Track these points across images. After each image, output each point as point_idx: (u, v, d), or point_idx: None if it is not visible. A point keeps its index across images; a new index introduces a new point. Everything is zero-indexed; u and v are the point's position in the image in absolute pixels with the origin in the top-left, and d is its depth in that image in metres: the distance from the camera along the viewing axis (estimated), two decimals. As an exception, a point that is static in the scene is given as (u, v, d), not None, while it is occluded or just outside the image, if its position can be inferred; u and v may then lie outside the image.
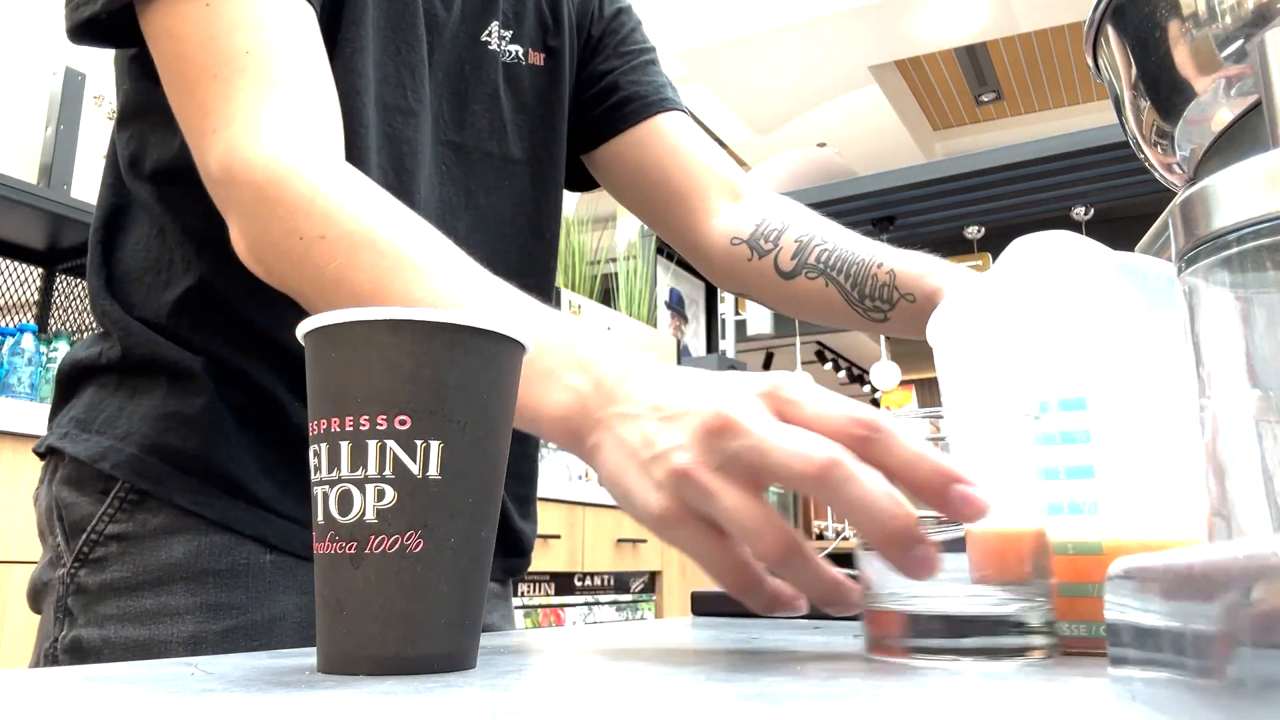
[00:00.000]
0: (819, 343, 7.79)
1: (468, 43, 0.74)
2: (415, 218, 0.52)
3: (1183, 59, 0.39)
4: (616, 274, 4.10)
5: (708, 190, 0.82)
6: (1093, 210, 4.03)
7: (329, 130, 0.56)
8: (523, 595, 2.52)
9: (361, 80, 0.65)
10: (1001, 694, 0.31)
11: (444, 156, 0.72)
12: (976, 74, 5.67)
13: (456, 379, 0.36)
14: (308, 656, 0.42)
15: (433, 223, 0.57)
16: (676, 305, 4.87)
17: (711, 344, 5.11)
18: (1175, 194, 0.38)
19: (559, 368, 0.46)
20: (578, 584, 2.76)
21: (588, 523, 2.77)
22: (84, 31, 0.60)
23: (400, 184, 0.67)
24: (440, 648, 0.36)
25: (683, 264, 4.95)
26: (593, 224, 4.18)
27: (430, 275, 0.48)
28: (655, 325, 4.38)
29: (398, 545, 0.35)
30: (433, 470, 0.35)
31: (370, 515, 0.35)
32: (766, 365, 7.62)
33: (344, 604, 0.35)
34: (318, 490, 0.36)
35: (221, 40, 0.55)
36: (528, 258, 0.78)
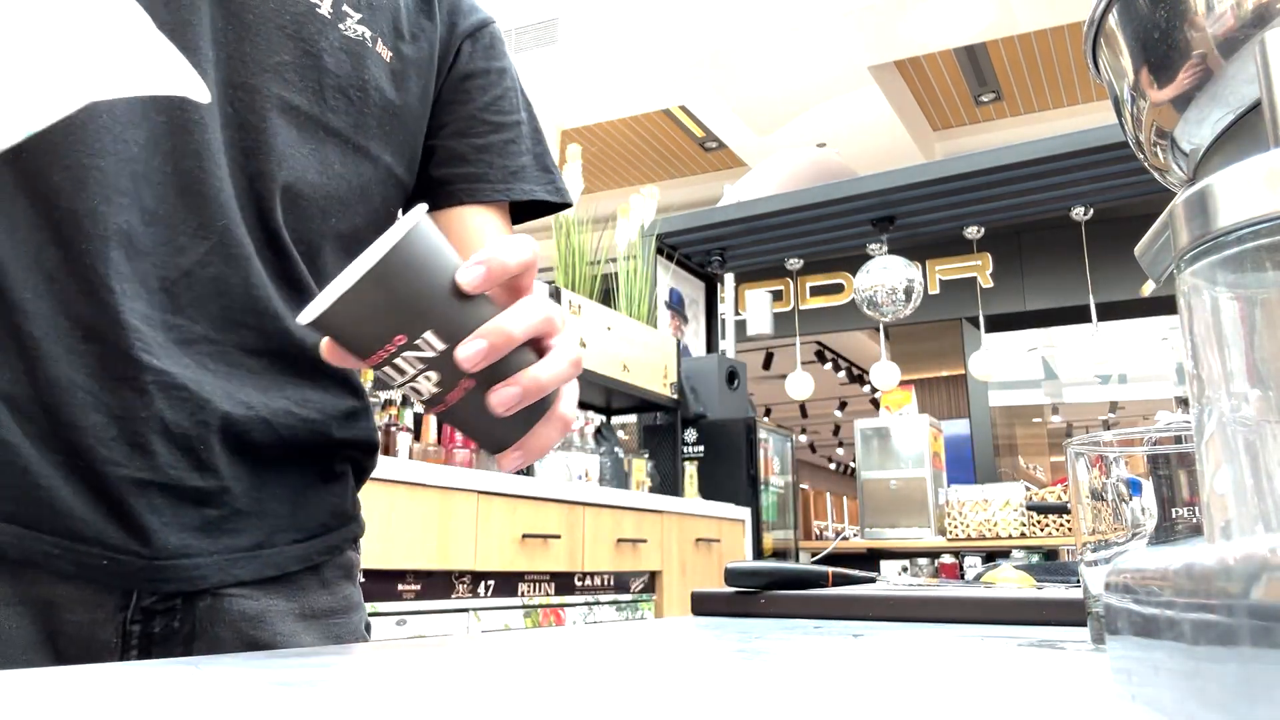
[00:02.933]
0: (819, 343, 7.78)
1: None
2: None
3: (1182, 59, 0.39)
4: (616, 274, 4.10)
5: None
6: (1092, 210, 4.02)
7: None
8: (523, 595, 2.52)
9: None
10: (1003, 689, 0.31)
11: (294, 121, 0.68)
12: (976, 74, 5.67)
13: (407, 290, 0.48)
14: (308, 657, 0.42)
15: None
16: (677, 305, 4.87)
17: (711, 344, 5.11)
18: (1175, 194, 0.38)
19: None
20: (578, 584, 2.76)
21: (587, 523, 2.77)
22: None
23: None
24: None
25: (683, 264, 4.95)
26: (592, 224, 4.18)
27: None
28: (655, 325, 4.38)
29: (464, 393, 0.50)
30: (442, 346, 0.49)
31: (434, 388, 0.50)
32: (766, 365, 7.62)
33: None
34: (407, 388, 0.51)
35: None
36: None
